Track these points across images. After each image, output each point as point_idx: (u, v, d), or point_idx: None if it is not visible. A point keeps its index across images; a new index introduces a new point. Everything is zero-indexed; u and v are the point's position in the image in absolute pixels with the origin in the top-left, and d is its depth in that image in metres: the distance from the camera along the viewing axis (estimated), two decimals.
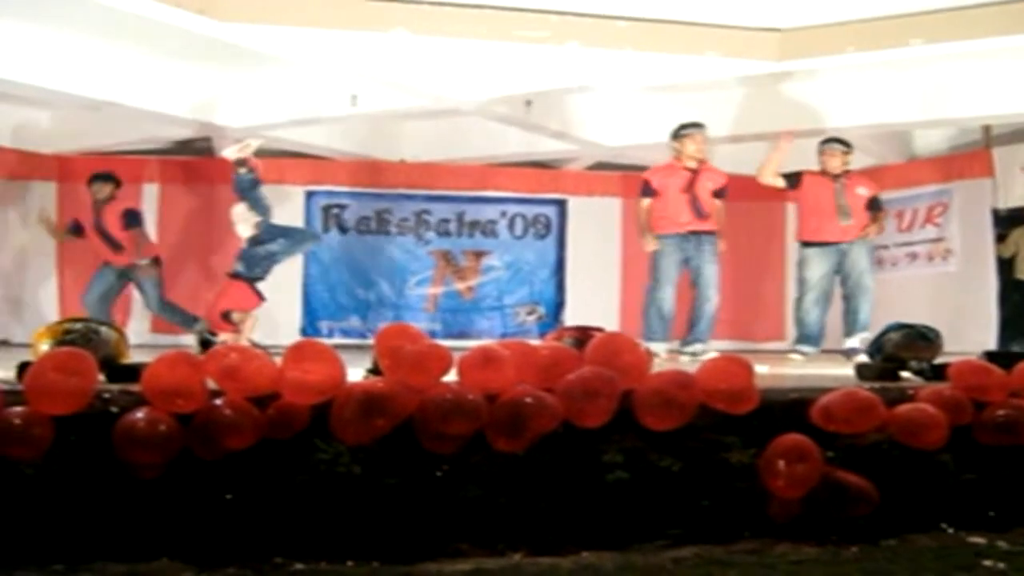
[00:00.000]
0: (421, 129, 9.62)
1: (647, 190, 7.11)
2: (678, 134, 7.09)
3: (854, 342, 7.06)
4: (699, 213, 6.99)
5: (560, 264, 10.34)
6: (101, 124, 8.94)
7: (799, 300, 7.45)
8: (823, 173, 7.27)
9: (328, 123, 8.89)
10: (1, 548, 2.98)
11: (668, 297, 7.07)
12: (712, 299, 7.09)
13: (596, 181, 10.36)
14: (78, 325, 3.83)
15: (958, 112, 8.01)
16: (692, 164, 7.04)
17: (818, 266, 7.28)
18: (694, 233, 7.02)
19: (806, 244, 7.44)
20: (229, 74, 8.15)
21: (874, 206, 7.36)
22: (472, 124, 9.06)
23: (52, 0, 6.22)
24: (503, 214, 10.26)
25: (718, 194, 7.15)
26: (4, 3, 6.54)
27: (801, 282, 7.45)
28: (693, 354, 6.87)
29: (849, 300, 7.30)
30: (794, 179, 7.35)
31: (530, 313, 10.16)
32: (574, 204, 10.34)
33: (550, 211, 10.35)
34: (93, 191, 8.07)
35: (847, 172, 7.33)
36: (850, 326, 7.23)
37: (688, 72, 7.43)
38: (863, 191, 7.32)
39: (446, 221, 10.19)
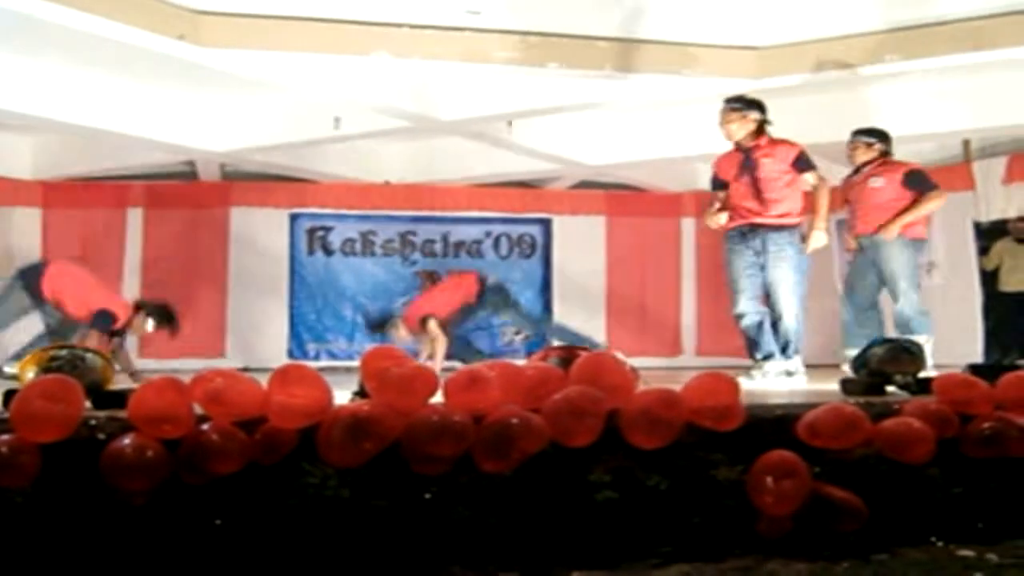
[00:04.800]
0: (405, 151, 9.65)
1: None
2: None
3: None
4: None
5: (546, 283, 10.38)
6: (85, 150, 8.96)
7: None
8: None
9: (312, 146, 8.91)
10: None
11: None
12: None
13: (580, 200, 10.41)
14: (63, 352, 3.80)
15: (939, 126, 8.09)
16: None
17: None
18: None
19: None
20: (212, 99, 8.18)
21: None
22: (455, 145, 9.11)
23: (32, 28, 6.21)
24: (488, 234, 10.30)
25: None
26: None
27: None
28: (788, 373, 5.94)
29: None
30: None
31: (517, 333, 10.16)
32: (559, 223, 10.39)
33: (535, 230, 10.39)
34: None
35: None
36: None
37: (667, 91, 7.49)
38: None
39: (431, 242, 10.23)
